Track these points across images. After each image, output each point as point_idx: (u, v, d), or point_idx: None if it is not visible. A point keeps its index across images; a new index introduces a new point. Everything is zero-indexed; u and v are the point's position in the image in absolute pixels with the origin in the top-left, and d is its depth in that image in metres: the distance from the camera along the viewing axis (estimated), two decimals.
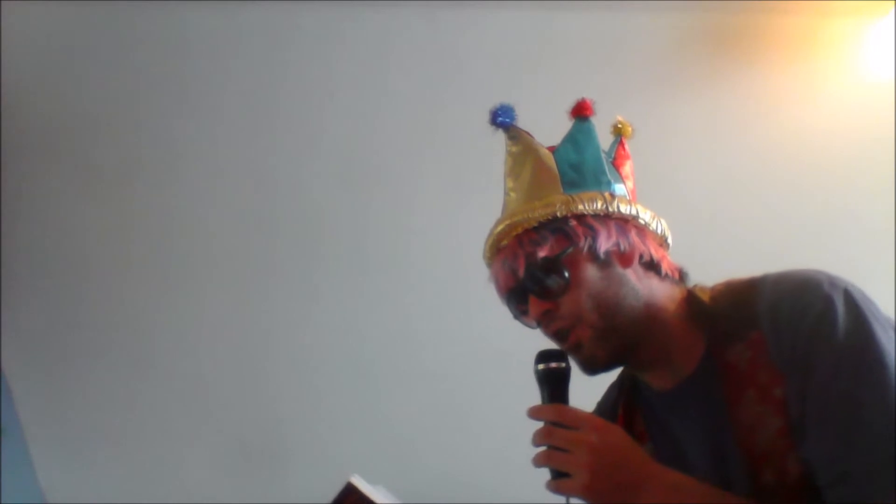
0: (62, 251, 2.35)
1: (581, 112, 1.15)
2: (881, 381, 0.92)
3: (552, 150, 1.14)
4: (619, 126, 1.20)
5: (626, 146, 1.19)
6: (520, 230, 1.09)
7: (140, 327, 2.38)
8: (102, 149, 2.35)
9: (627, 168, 1.18)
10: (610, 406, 1.23)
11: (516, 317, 1.15)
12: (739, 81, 2.42)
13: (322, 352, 2.40)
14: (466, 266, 2.40)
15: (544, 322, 1.09)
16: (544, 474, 1.03)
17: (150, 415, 2.36)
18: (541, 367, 1.05)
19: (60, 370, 2.36)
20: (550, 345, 1.10)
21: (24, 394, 2.32)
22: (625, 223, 1.09)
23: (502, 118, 1.14)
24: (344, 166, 2.39)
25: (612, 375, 1.22)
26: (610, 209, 1.08)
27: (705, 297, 1.10)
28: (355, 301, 2.40)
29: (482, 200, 2.38)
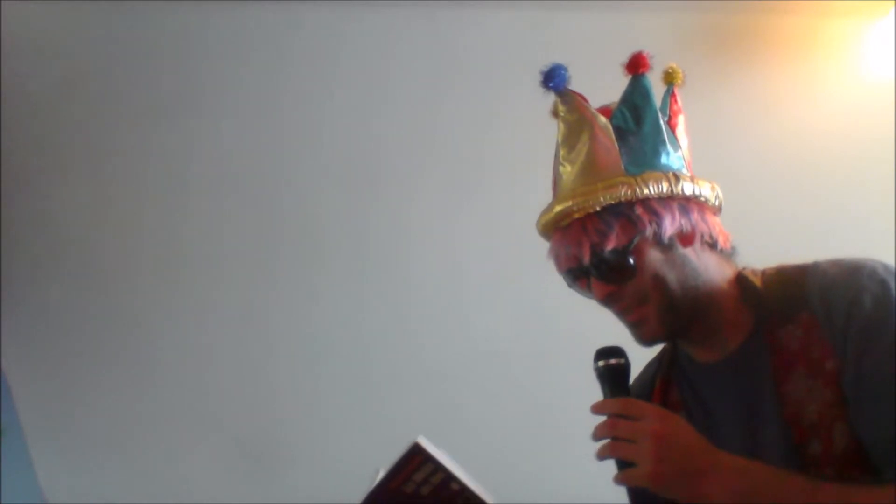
0: (63, 250, 2.35)
1: (637, 68, 1.11)
2: None
3: (608, 114, 1.10)
4: (671, 72, 1.17)
5: (679, 97, 1.17)
6: (582, 214, 1.06)
7: (140, 327, 2.38)
8: (102, 148, 2.35)
9: (681, 127, 1.16)
10: (648, 379, 1.24)
11: (571, 286, 1.14)
12: (739, 81, 2.42)
13: (322, 352, 2.40)
14: (466, 266, 2.41)
15: (608, 301, 1.10)
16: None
17: (150, 415, 2.36)
18: (601, 363, 1.05)
19: (60, 370, 2.36)
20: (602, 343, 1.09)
21: (24, 394, 2.32)
22: (687, 202, 1.08)
23: (556, 82, 1.09)
24: (344, 166, 2.39)
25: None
26: (674, 191, 1.06)
27: (756, 280, 1.11)
28: (355, 301, 2.40)
29: (482, 200, 2.39)
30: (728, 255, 1.14)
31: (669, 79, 1.17)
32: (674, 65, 1.16)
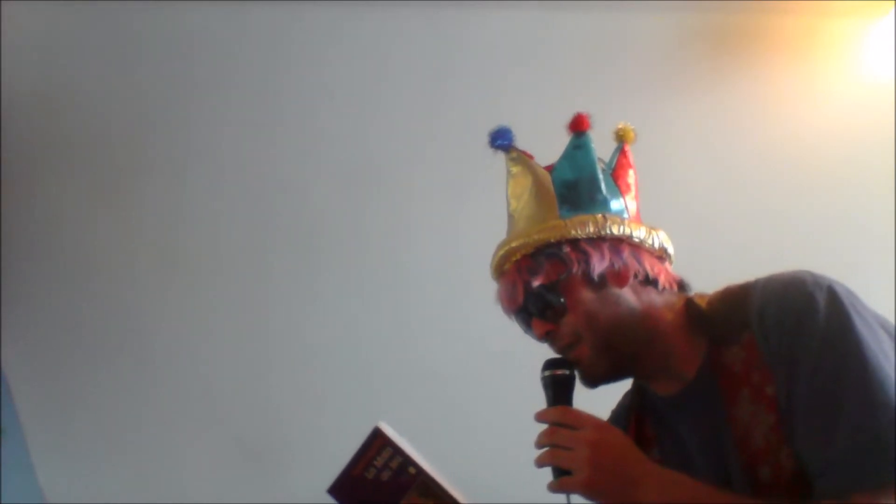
0: (63, 250, 2.35)
1: (578, 127, 1.17)
2: (860, 372, 0.94)
3: (550, 169, 1.17)
4: (621, 132, 1.21)
5: (629, 154, 1.20)
6: (518, 255, 1.13)
7: (140, 327, 2.38)
8: (103, 148, 2.35)
9: (630, 178, 1.19)
10: (623, 413, 1.26)
11: (525, 331, 1.19)
12: (739, 81, 2.41)
13: (322, 352, 2.40)
14: (466, 265, 2.40)
15: (548, 340, 1.14)
16: (543, 474, 1.03)
17: (150, 415, 2.36)
18: (547, 373, 1.10)
19: (61, 370, 2.36)
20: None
21: (24, 394, 2.32)
22: (619, 243, 1.12)
23: (501, 141, 1.18)
24: (343, 166, 2.39)
25: (619, 386, 1.24)
26: (602, 232, 1.11)
27: (703, 304, 1.12)
28: (355, 301, 2.40)
29: (482, 200, 2.39)
30: (674, 292, 1.15)
31: (619, 138, 1.21)
32: (623, 124, 1.21)
